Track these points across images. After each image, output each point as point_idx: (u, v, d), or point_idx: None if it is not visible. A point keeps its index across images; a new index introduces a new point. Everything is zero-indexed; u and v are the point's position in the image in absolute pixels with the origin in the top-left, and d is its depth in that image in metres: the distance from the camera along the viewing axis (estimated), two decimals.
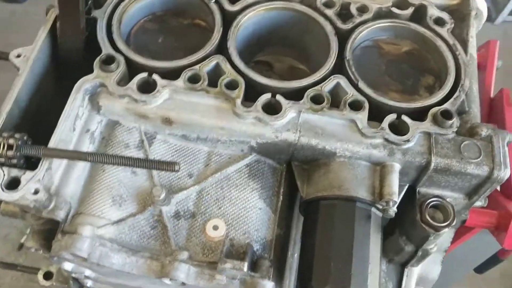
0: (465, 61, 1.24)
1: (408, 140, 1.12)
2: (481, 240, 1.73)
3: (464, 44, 1.31)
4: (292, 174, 1.22)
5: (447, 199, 1.19)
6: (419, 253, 1.25)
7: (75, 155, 1.03)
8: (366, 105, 1.16)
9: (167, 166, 1.02)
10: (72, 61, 1.22)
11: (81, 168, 1.11)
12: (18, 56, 1.16)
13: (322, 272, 1.07)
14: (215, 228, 1.10)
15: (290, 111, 1.14)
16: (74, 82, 1.15)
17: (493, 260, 1.95)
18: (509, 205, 1.31)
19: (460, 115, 1.22)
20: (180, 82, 1.15)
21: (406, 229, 1.24)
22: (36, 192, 1.01)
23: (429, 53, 1.30)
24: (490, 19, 4.58)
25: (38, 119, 1.18)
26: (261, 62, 1.46)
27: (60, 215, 1.06)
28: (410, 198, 1.20)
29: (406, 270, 1.37)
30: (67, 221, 1.08)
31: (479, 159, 1.11)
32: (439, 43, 1.27)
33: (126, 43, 1.29)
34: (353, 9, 1.30)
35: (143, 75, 1.16)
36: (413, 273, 1.39)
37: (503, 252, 1.78)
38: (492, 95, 1.60)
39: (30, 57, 1.16)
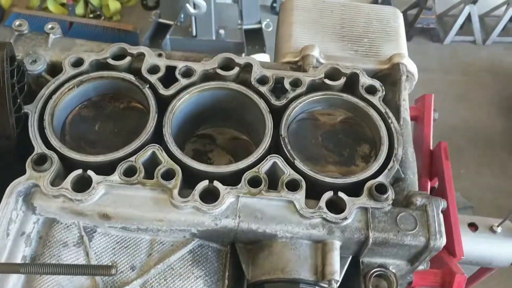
0: (397, 129, 1.28)
1: (345, 218, 1.13)
2: None
3: (397, 110, 1.35)
4: (237, 254, 1.22)
5: (390, 267, 1.22)
6: None
7: (6, 269, 1.01)
8: (303, 184, 1.17)
9: (104, 270, 1.00)
10: (4, 161, 1.19)
11: (16, 276, 1.09)
12: None
13: None
14: None
15: (228, 197, 1.14)
16: (9, 183, 1.13)
17: None
18: (451, 263, 1.34)
19: (397, 182, 1.25)
20: (115, 177, 1.15)
21: None
22: None
23: (363, 121, 1.34)
24: (439, 39, 4.75)
25: None
26: (203, 136, 1.46)
27: None
28: (355, 267, 1.22)
29: None
30: None
31: (415, 230, 1.14)
32: (371, 112, 1.30)
33: (62, 133, 1.28)
34: (286, 84, 1.32)
35: (78, 172, 1.14)
36: None
37: None
38: (431, 147, 1.65)
39: None
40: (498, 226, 1.65)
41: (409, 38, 4.70)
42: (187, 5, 3.88)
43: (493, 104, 4.60)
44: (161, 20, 4.36)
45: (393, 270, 1.21)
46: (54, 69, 1.34)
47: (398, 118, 1.33)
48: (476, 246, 1.62)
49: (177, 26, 4.29)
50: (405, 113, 1.36)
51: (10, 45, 1.11)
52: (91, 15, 4.78)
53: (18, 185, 1.12)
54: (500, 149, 4.21)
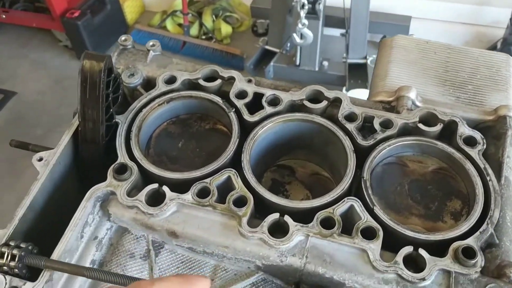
0: (496, 188, 1.14)
1: (424, 279, 1.02)
2: None
3: (499, 166, 1.21)
4: None
5: None
6: None
7: (74, 270, 1.04)
8: (380, 233, 1.08)
9: None
10: (92, 166, 1.25)
11: (84, 278, 1.11)
12: (40, 159, 1.21)
13: None
14: None
15: (297, 234, 1.09)
16: (95, 180, 1.17)
17: None
18: None
19: (489, 248, 1.11)
20: (188, 196, 1.14)
21: None
22: None
23: (458, 175, 1.22)
24: None
25: (56, 222, 1.21)
26: (283, 166, 1.43)
27: None
28: None
29: None
30: None
31: None
32: (468, 166, 1.18)
33: (147, 146, 1.32)
34: (376, 124, 1.25)
35: (154, 186, 1.16)
36: None
37: None
38: None
39: (50, 162, 1.20)
40: None
41: None
42: (294, 34, 3.92)
43: None
44: (267, 47, 4.46)
45: None
46: (149, 84, 1.39)
47: (499, 176, 1.19)
48: None
49: (282, 54, 4.36)
50: (509, 171, 1.21)
51: (109, 58, 1.17)
52: (204, 37, 5.02)
53: (97, 190, 1.16)
54: None
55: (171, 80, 1.36)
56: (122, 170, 1.18)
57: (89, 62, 1.15)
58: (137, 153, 1.22)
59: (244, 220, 1.10)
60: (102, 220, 1.19)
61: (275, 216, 1.11)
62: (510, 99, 1.34)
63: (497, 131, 1.27)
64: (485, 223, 1.09)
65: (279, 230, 1.11)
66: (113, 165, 1.19)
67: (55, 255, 1.08)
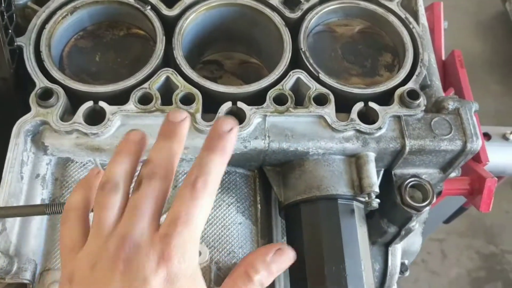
0: (420, 33, 1.21)
1: (379, 128, 1.08)
2: (449, 198, 1.77)
3: (415, 15, 1.28)
4: (265, 178, 1.16)
5: (423, 176, 1.18)
6: (402, 232, 1.25)
7: (31, 211, 0.92)
8: (331, 97, 1.10)
9: None
10: (2, 100, 1.08)
11: (39, 219, 1.00)
12: None
13: (316, 279, 1.03)
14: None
15: (255, 117, 1.07)
16: (11, 124, 1.02)
17: (459, 211, 2.02)
18: (479, 169, 1.32)
19: (423, 89, 1.20)
20: (130, 106, 1.05)
21: (386, 212, 1.22)
22: None
23: (382, 30, 1.26)
24: None
25: None
26: (209, 62, 1.37)
27: (26, 276, 0.95)
28: (386, 181, 1.18)
29: (390, 249, 1.38)
30: (36, 280, 0.97)
31: (451, 135, 1.10)
32: (392, 18, 1.23)
33: (60, 68, 1.17)
34: None
35: (89, 104, 1.04)
36: (397, 250, 1.39)
37: (468, 203, 1.83)
38: (443, 57, 1.60)
39: None
40: (511, 133, 1.64)
41: None
42: None
43: (471, 27, 4.59)
44: None
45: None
46: None
47: (417, 23, 1.26)
48: (490, 155, 1.60)
49: None
50: (423, 19, 1.29)
51: None
52: None
53: (24, 123, 1.01)
54: (480, 70, 4.23)
55: None
56: (46, 95, 1.03)
57: None
58: (57, 74, 1.07)
59: (198, 116, 1.05)
60: (37, 155, 1.05)
61: (228, 105, 1.07)
62: None
63: None
64: (418, 66, 1.17)
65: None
66: (34, 92, 1.04)
67: (0, 203, 0.95)
